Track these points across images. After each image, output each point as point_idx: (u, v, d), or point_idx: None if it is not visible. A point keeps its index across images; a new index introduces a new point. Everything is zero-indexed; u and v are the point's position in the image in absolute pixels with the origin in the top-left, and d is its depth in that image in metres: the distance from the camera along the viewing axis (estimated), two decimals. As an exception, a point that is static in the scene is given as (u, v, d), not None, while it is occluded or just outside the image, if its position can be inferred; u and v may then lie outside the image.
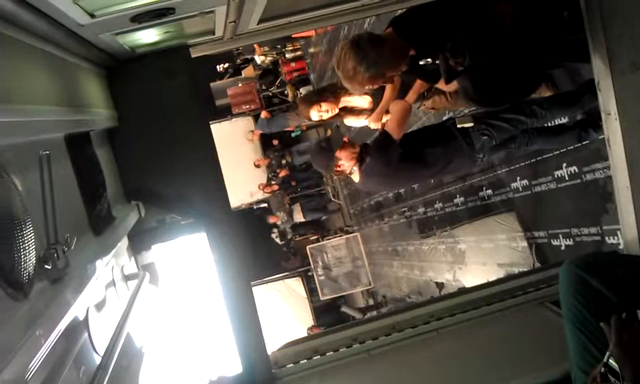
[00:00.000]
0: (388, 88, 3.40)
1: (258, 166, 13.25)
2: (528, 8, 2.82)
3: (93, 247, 2.33)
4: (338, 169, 3.50)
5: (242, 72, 14.46)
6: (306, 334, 11.65)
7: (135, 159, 3.19)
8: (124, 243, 3.26)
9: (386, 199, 9.88)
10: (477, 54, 2.82)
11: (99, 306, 2.57)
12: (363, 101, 3.68)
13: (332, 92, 3.63)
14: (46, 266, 1.74)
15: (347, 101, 3.67)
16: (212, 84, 13.57)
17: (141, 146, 3.18)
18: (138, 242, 3.46)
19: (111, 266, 2.88)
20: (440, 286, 7.48)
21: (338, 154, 3.45)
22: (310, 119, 3.72)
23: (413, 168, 3.49)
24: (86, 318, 2.34)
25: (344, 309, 12.42)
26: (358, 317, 12.11)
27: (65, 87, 2.40)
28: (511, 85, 2.99)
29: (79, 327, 2.27)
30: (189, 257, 3.67)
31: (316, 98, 3.65)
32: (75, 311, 2.03)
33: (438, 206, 7.35)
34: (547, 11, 2.88)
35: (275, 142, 13.41)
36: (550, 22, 2.90)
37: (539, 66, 3.11)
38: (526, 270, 4.85)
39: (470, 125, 3.43)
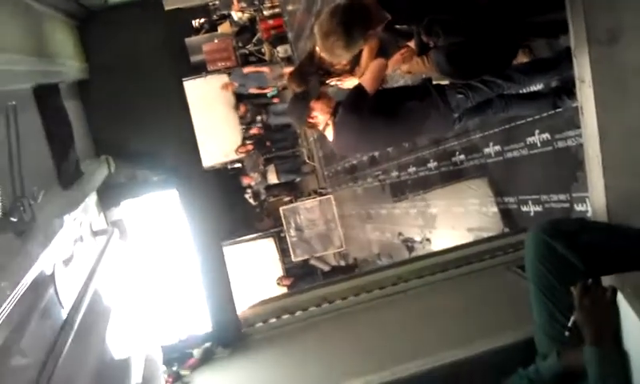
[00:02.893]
0: (365, 50, 3.37)
1: (237, 109, 13.01)
2: None
3: (60, 201, 2.30)
4: (311, 120, 3.45)
5: (219, 28, 14.19)
6: (276, 286, 11.79)
7: (105, 113, 3.14)
8: (92, 198, 3.22)
9: (360, 162, 9.89)
10: (451, 33, 2.82)
11: (66, 261, 2.54)
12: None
13: (319, 81, 3.53)
14: (11, 219, 1.72)
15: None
16: (187, 39, 13.33)
17: (111, 99, 3.14)
18: (108, 197, 3.41)
19: (79, 221, 2.84)
20: (410, 244, 7.61)
21: (313, 104, 3.40)
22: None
23: (386, 122, 3.43)
24: (53, 273, 2.31)
25: (312, 262, 12.55)
26: (326, 269, 12.27)
27: (33, 36, 2.34)
28: (485, 60, 3.00)
29: (45, 281, 2.24)
30: (159, 214, 3.63)
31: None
32: (41, 265, 2.01)
33: (412, 170, 7.37)
34: None
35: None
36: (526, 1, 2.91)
37: (513, 43, 3.11)
38: (494, 234, 4.91)
39: (447, 82, 3.42)
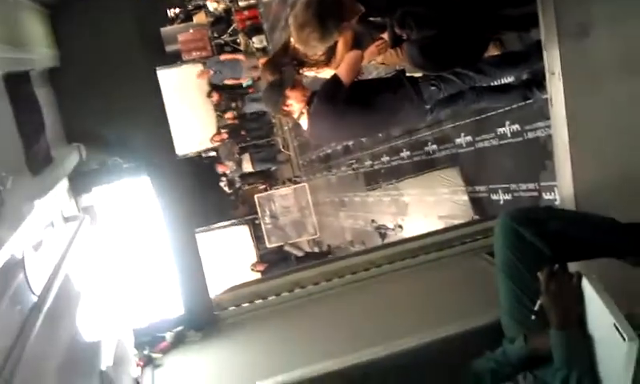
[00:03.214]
0: (340, 42, 3.38)
1: (210, 96, 12.93)
2: None
3: (30, 187, 2.29)
4: (286, 108, 3.45)
5: (194, 18, 14.08)
6: (250, 271, 11.77)
7: (77, 100, 3.11)
8: (64, 185, 3.19)
9: (334, 151, 9.92)
10: (424, 26, 2.85)
11: (36, 247, 2.52)
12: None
13: (295, 69, 3.53)
14: (-21, 204, 1.70)
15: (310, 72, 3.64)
16: (162, 29, 13.20)
17: (83, 87, 3.11)
18: (79, 183, 3.37)
19: (50, 207, 2.82)
20: (382, 231, 7.66)
21: (289, 92, 3.40)
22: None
23: (360, 112, 3.45)
24: (22, 259, 2.30)
25: (287, 248, 12.58)
26: (299, 255, 12.30)
27: (4, 24, 2.31)
28: (457, 53, 3.04)
29: (15, 267, 2.22)
30: (131, 200, 3.61)
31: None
32: (10, 250, 2.00)
33: (385, 159, 7.42)
34: None
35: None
36: None
37: (484, 37, 3.16)
38: (464, 222, 4.98)
39: (419, 74, 3.45)
